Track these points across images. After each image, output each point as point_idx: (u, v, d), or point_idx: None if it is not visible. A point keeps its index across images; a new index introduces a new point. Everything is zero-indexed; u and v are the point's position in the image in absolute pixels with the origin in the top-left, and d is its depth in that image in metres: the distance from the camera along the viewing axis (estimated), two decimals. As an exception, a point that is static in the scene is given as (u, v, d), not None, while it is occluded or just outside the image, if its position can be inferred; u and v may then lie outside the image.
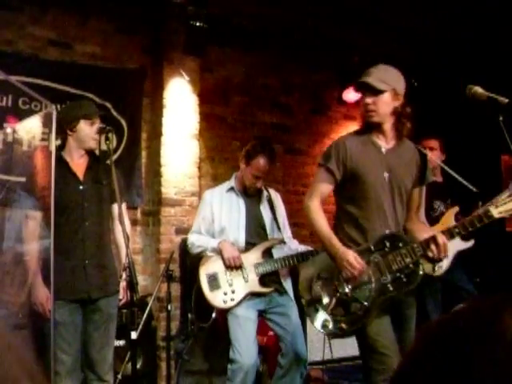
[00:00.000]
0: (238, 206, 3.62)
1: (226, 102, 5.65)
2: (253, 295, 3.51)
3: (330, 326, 2.66)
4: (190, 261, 4.32)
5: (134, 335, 2.78)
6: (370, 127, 2.73)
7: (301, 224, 4.71)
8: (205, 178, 5.38)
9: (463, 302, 4.04)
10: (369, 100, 2.65)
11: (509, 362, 0.53)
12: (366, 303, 2.59)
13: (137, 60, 5.11)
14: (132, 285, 2.71)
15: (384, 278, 2.60)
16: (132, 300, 2.73)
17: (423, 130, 3.29)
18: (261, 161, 3.53)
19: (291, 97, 6.05)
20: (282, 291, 3.58)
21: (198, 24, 4.82)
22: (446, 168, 3.37)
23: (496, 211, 2.55)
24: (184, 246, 4.29)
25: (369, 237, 2.66)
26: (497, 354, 0.54)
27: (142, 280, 4.74)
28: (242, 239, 3.56)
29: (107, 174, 3.12)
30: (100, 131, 3.16)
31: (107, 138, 3.12)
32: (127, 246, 2.78)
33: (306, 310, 2.80)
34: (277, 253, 3.61)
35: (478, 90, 2.38)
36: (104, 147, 3.23)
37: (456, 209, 4.08)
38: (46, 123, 3.64)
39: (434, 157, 3.88)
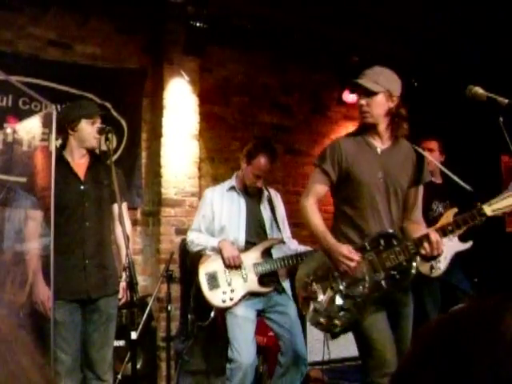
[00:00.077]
0: (239, 205, 3.62)
1: (226, 102, 5.65)
2: (252, 295, 3.51)
3: (325, 322, 2.69)
4: (190, 261, 4.31)
5: (133, 335, 2.77)
6: (365, 128, 2.76)
7: (301, 224, 4.65)
8: (205, 178, 5.38)
9: (460, 302, 4.06)
10: (363, 101, 2.69)
11: (509, 362, 0.53)
12: (359, 300, 2.62)
13: (137, 60, 5.10)
14: (132, 285, 2.70)
15: (378, 275, 2.62)
16: (132, 300, 2.72)
17: (423, 130, 3.29)
18: (262, 160, 3.53)
19: (291, 97, 6.05)
20: (280, 290, 3.59)
21: (197, 24, 4.82)
22: (442, 168, 3.37)
23: (489, 209, 2.56)
24: (184, 247, 4.29)
25: (365, 236, 2.69)
26: (497, 354, 0.54)
27: (141, 280, 4.74)
28: (241, 238, 3.56)
29: (108, 174, 3.12)
30: (100, 131, 3.15)
31: (107, 138, 3.12)
32: (127, 247, 2.77)
33: (301, 307, 2.83)
34: (276, 253, 3.61)
35: (479, 90, 2.39)
36: (104, 147, 3.23)
37: (455, 210, 4.08)
38: (46, 123, 3.64)
39: (433, 158, 3.87)
